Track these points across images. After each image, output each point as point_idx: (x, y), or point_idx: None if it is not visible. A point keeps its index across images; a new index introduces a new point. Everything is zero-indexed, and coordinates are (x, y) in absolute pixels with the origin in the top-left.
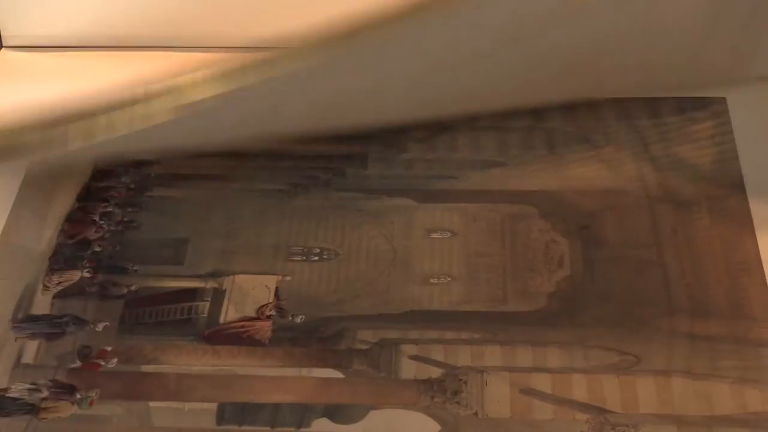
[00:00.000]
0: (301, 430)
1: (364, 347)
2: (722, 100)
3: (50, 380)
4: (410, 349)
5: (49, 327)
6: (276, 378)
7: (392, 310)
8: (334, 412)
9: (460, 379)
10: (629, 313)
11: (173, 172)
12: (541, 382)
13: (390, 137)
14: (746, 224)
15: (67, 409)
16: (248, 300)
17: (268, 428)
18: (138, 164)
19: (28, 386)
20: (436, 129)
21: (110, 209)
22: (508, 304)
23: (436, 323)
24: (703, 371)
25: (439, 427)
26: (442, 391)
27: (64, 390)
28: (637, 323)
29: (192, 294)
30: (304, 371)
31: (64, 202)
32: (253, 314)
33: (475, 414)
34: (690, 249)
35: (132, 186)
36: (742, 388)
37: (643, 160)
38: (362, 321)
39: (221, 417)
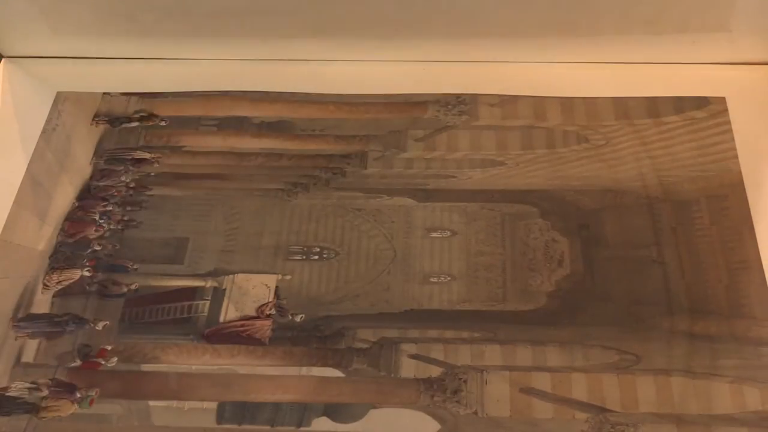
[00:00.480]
0: (301, 429)
1: (364, 346)
2: (722, 100)
3: (50, 379)
4: (410, 348)
5: (49, 326)
6: (276, 377)
7: (392, 309)
8: (334, 411)
9: (460, 378)
10: (629, 312)
11: (173, 171)
12: (541, 381)
13: (390, 136)
14: (745, 223)
15: (67, 408)
16: (248, 299)
17: (268, 427)
18: (138, 162)
19: (28, 385)
20: (436, 128)
21: (110, 208)
22: (508, 303)
23: (436, 322)
24: (703, 370)
25: (438, 426)
26: (442, 390)
27: (64, 389)
28: (637, 322)
29: (192, 293)
30: (304, 370)
31: (63, 201)
32: (252, 313)
33: (475, 413)
34: (689, 248)
35: (132, 185)
36: (742, 387)
37: (642, 159)
38: (362, 320)
39: (221, 416)
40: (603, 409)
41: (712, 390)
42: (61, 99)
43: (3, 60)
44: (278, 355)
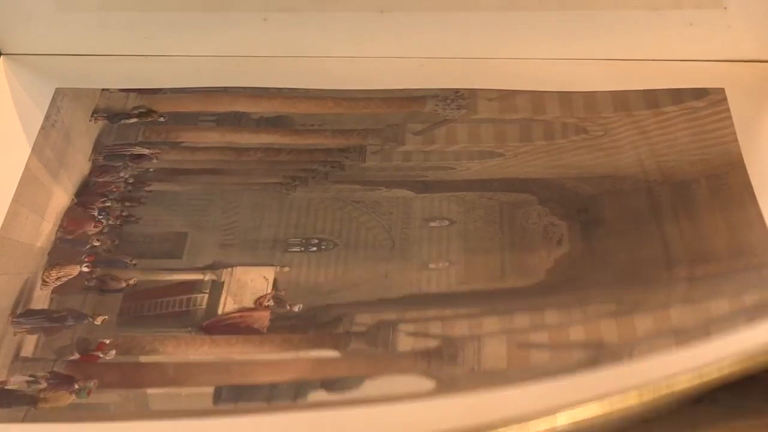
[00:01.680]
0: (298, 401)
1: (362, 329)
2: (721, 91)
3: (49, 372)
4: (408, 327)
5: (48, 321)
6: (274, 361)
7: (391, 295)
8: (331, 385)
9: (457, 346)
10: (628, 273)
11: (171, 167)
12: (539, 337)
13: (388, 130)
14: (746, 190)
15: (65, 399)
16: (246, 291)
17: (264, 403)
18: (137, 158)
19: (26, 378)
20: (435, 122)
21: (109, 204)
22: (507, 281)
23: (434, 304)
24: (703, 295)
25: (434, 384)
26: (438, 357)
27: (62, 381)
28: (636, 278)
29: (190, 286)
30: (302, 353)
31: (62, 198)
32: (251, 305)
33: (472, 370)
34: (689, 217)
35: (130, 181)
36: (741, 295)
37: (641, 147)
38: (361, 306)
39: (218, 398)
40: (601, 345)
41: (712, 305)
42: (60, 95)
43: (2, 57)
44: (276, 342)
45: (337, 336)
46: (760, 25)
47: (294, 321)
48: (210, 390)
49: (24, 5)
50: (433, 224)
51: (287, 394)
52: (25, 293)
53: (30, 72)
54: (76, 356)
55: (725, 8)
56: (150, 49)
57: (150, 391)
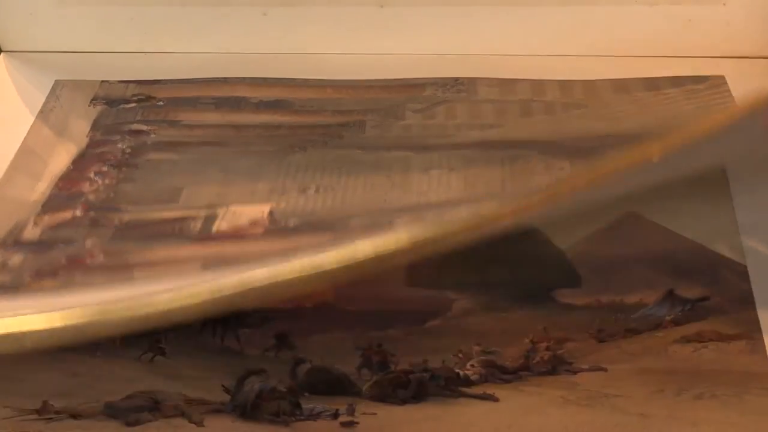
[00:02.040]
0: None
1: (358, 228)
2: (721, 78)
3: (34, 271)
4: (403, 220)
5: (37, 247)
6: (266, 250)
7: (388, 220)
8: (321, 246)
9: None
10: None
11: (170, 141)
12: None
13: (388, 109)
14: None
15: (49, 285)
16: (242, 218)
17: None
18: (134, 133)
19: (10, 278)
20: (434, 102)
21: (105, 169)
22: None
23: (433, 210)
24: None
25: None
26: None
27: (48, 274)
28: None
29: (184, 219)
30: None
31: (59, 166)
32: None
33: None
34: None
35: (128, 151)
36: None
37: (643, 118)
38: (357, 217)
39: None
40: None
41: None
42: (59, 86)
43: (2, 54)
44: (270, 242)
45: (332, 233)
46: (759, 21)
47: (289, 232)
48: (198, 265)
49: (25, 2)
50: (433, 172)
51: (276, 257)
52: (15, 232)
53: (30, 68)
54: (64, 262)
55: (724, 4)
56: (150, 45)
57: (137, 273)
